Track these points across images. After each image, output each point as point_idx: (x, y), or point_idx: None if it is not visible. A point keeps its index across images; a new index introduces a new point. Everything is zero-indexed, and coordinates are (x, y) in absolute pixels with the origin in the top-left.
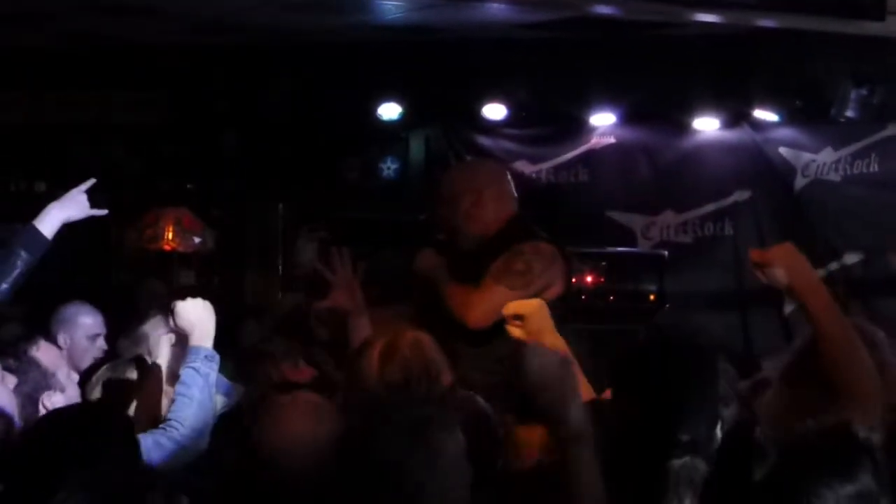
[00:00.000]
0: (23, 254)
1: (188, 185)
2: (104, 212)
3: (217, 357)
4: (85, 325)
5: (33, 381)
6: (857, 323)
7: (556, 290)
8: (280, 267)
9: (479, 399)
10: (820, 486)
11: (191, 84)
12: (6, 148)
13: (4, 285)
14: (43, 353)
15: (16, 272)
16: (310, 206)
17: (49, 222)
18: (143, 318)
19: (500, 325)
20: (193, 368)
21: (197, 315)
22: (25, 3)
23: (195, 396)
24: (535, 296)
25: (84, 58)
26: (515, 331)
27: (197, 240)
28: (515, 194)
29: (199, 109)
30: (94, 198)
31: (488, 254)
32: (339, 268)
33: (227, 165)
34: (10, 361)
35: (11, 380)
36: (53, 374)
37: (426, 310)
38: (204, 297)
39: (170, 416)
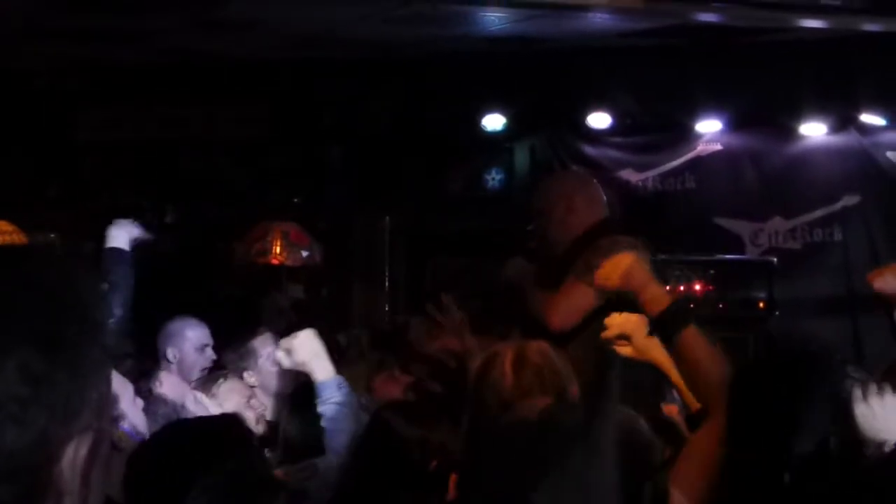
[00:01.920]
0: (115, 273)
1: (295, 199)
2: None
3: (344, 380)
4: (192, 338)
5: (164, 418)
6: None
7: None
8: (386, 280)
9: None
10: None
11: (295, 98)
12: (114, 164)
13: (117, 310)
14: (167, 387)
15: (120, 293)
16: (416, 219)
17: (118, 238)
18: (252, 333)
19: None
20: (338, 404)
21: (311, 349)
22: (131, 20)
23: (347, 428)
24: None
25: (189, 73)
26: (624, 350)
27: (305, 253)
28: (605, 199)
29: (303, 123)
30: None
31: (576, 256)
32: (450, 311)
33: (332, 179)
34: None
35: (139, 401)
36: (183, 406)
37: (517, 319)
38: (313, 311)
39: (327, 446)
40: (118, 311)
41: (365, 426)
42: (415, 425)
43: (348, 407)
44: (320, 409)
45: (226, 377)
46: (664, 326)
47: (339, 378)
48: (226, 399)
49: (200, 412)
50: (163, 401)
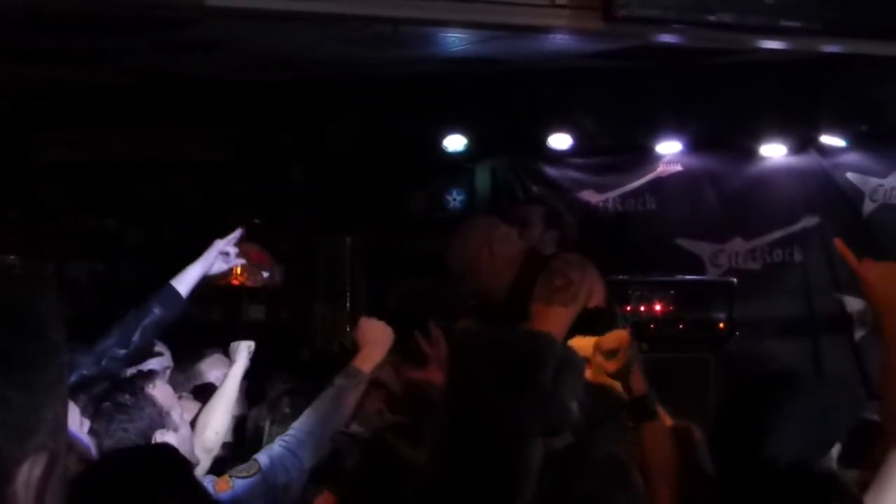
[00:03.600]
0: (156, 310)
1: (256, 220)
2: (242, 261)
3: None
4: (151, 362)
5: (148, 419)
6: None
7: (598, 297)
8: (348, 301)
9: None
10: None
11: (256, 119)
12: (74, 186)
13: (135, 338)
14: (159, 391)
15: (146, 325)
16: (378, 239)
17: (186, 281)
18: (199, 355)
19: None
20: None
21: (374, 335)
22: (91, 41)
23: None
24: (584, 305)
25: (150, 95)
26: (610, 366)
27: (265, 274)
28: (515, 231)
29: (265, 144)
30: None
31: (521, 290)
32: (438, 344)
33: (294, 199)
34: (127, 397)
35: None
36: (168, 413)
37: None
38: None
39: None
40: (135, 340)
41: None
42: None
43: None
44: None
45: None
46: (642, 408)
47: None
48: (183, 423)
49: (183, 428)
50: (151, 401)
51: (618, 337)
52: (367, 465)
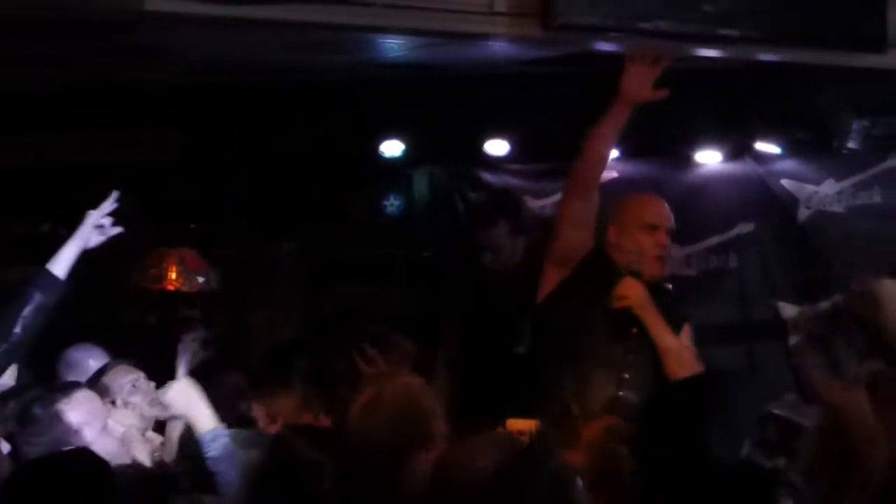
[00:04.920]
0: (36, 295)
1: (192, 225)
2: (119, 229)
3: (223, 431)
4: (93, 369)
5: (54, 435)
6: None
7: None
8: (285, 307)
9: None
10: None
11: (194, 123)
12: (11, 190)
13: (17, 329)
14: (76, 405)
15: (26, 314)
16: (315, 245)
17: (62, 261)
18: (102, 370)
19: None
20: (214, 458)
21: (187, 400)
22: (32, 46)
23: (229, 475)
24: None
25: (91, 99)
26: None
27: (201, 279)
28: None
29: (202, 148)
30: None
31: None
32: (375, 364)
33: (231, 205)
34: (38, 411)
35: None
36: (77, 431)
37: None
38: (207, 335)
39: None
40: (17, 330)
41: (267, 447)
42: (313, 448)
43: (224, 460)
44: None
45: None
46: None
47: (217, 430)
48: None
49: (98, 443)
50: (59, 418)
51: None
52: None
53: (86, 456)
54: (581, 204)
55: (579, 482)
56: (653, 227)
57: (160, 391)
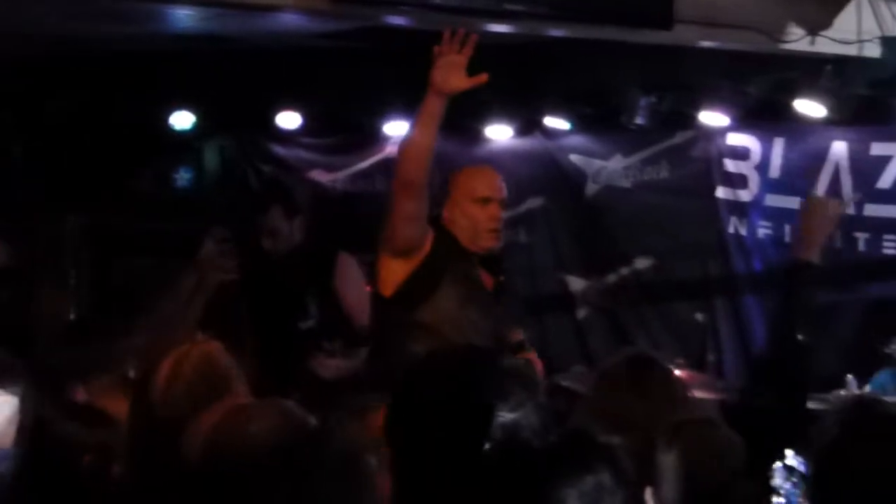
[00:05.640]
0: None
1: None
2: None
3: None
4: None
5: None
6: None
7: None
8: (72, 281)
9: None
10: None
11: None
12: None
13: None
14: None
15: None
16: (102, 218)
17: None
18: None
19: None
20: None
21: None
22: None
23: None
24: None
25: None
26: None
27: None
28: None
29: None
30: None
31: None
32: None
33: (15, 178)
34: None
35: None
36: None
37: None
38: None
39: None
40: None
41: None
42: (77, 424)
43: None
44: None
45: None
46: None
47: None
48: None
49: None
50: None
51: None
52: None
53: None
54: (412, 202)
55: (372, 460)
56: (486, 200)
57: None
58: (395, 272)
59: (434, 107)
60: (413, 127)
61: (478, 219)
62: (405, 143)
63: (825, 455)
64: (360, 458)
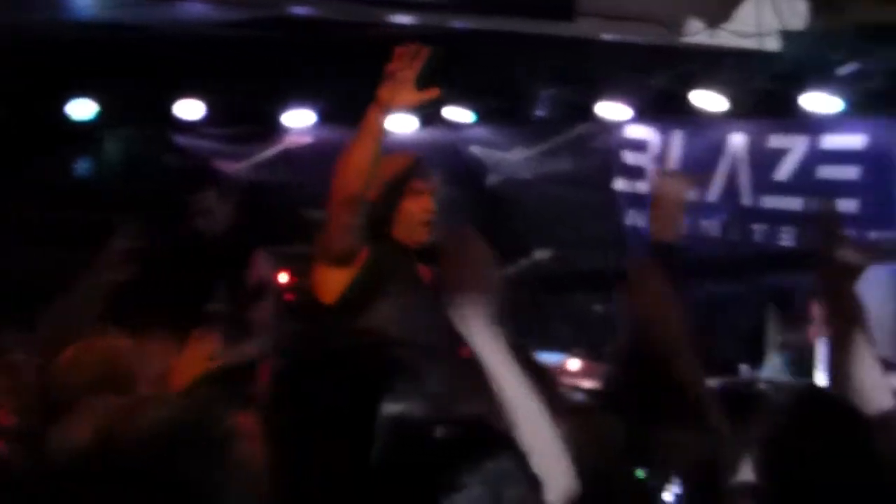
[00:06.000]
0: None
1: None
2: None
3: None
4: None
5: None
6: None
7: None
8: None
9: None
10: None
11: None
12: None
13: None
14: None
15: None
16: (0, 207)
17: None
18: None
19: None
20: None
21: None
22: None
23: None
24: None
25: None
26: None
27: None
28: None
29: None
30: None
31: None
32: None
33: None
34: None
35: None
36: None
37: None
38: None
39: None
40: None
41: None
42: None
43: None
44: None
45: None
46: None
47: None
48: None
49: None
50: None
51: None
52: None
53: None
54: (349, 215)
55: (246, 445)
56: (417, 192)
57: None
58: (335, 281)
59: (377, 123)
60: (354, 141)
61: (413, 212)
62: (345, 158)
63: (774, 444)
64: (240, 447)
